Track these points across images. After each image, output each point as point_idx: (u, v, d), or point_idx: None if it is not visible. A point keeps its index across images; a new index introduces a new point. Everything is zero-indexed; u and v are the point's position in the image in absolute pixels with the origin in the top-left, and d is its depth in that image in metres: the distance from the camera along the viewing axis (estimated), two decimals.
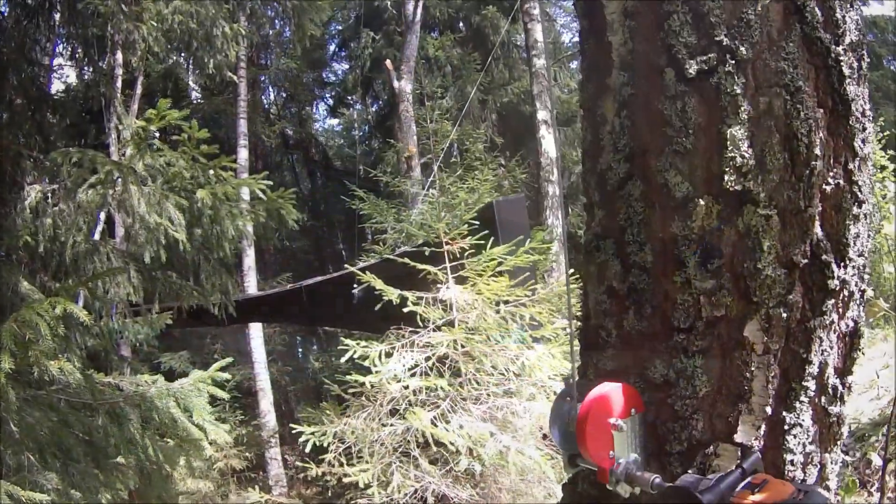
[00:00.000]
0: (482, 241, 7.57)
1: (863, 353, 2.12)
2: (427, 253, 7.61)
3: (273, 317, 12.47)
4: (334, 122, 33.72)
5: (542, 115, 15.17)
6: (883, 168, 10.14)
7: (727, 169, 1.83)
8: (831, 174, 1.91)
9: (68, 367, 4.80)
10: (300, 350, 23.50)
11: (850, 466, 6.97)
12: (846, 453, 5.87)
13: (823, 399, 1.96)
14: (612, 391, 1.73)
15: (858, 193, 1.96)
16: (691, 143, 1.87)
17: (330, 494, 10.85)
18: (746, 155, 1.84)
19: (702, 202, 1.85)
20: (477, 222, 7.66)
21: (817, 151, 1.86)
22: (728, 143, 1.84)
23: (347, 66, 27.29)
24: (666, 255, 1.91)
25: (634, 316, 1.96)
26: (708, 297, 1.86)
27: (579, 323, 2.21)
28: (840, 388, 2.00)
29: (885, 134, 11.99)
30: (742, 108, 1.84)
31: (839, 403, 2.01)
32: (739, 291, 1.85)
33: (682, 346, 1.89)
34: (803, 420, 1.92)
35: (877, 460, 6.66)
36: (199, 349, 17.46)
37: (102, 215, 9.87)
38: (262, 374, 15.34)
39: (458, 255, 7.69)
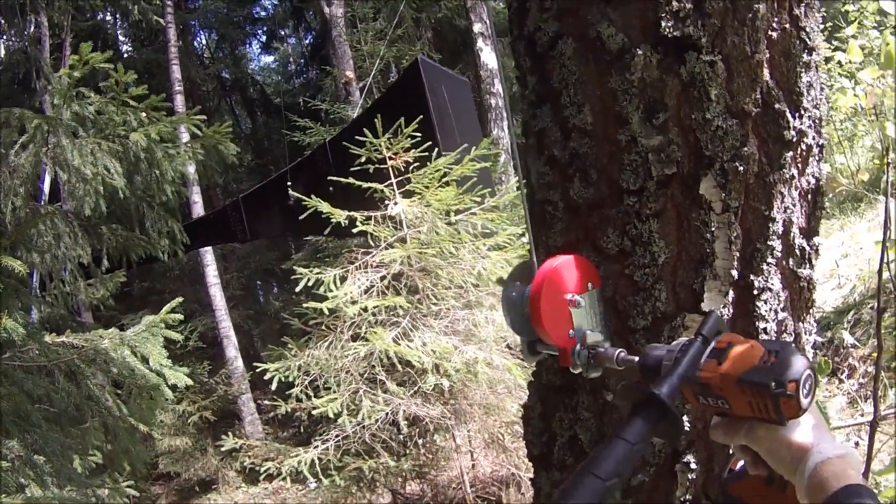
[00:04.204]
0: (426, 154, 7.40)
1: (827, 213, 2.01)
2: (371, 170, 7.41)
3: (215, 238, 12.36)
4: (269, 59, 33.48)
5: (477, 27, 15.00)
6: (828, 59, 10.08)
7: (664, 15, 1.71)
8: (776, 19, 1.81)
9: (10, 323, 4.67)
10: (260, 293, 23.42)
11: (818, 350, 7.02)
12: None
13: (791, 261, 1.88)
14: (563, 263, 1.60)
15: (807, 40, 1.87)
16: None
17: (304, 432, 10.85)
18: None
19: (640, 52, 1.72)
20: (419, 134, 7.46)
21: None
22: None
23: (276, 0, 26.97)
24: (607, 113, 1.79)
25: (580, 183, 1.84)
26: (657, 154, 1.74)
27: None
28: (807, 249, 1.92)
29: (828, 25, 12.03)
30: None
31: (808, 266, 1.93)
32: (690, 146, 1.75)
33: (634, 211, 1.78)
34: (772, 284, 1.84)
35: (848, 338, 6.70)
36: (160, 305, 17.26)
37: (47, 183, 9.67)
38: (225, 321, 15.21)
39: (403, 170, 7.51)
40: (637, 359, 1.45)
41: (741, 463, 1.49)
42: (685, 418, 1.79)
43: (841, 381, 6.76)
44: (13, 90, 17.21)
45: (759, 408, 1.25)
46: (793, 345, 1.33)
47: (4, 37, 16.31)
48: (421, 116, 7.44)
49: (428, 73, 8.30)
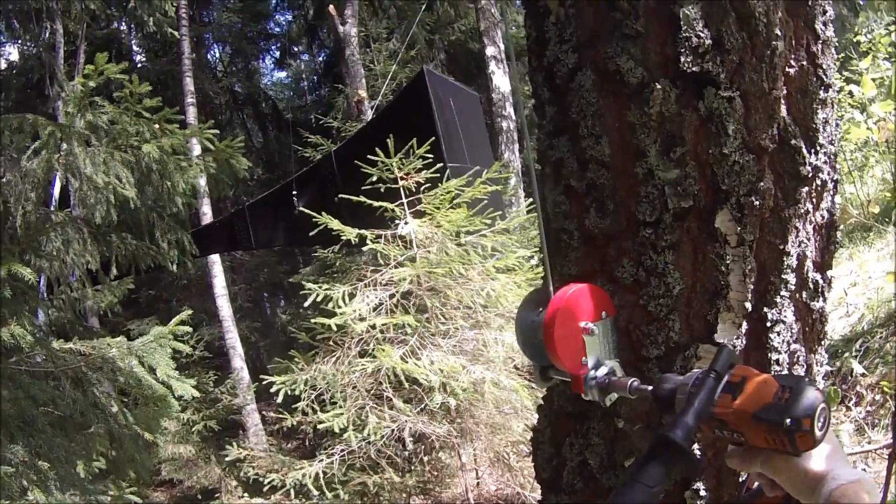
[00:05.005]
0: (437, 175, 7.39)
1: (840, 247, 2.03)
2: (382, 189, 7.38)
3: (221, 245, 12.29)
4: (282, 74, 33.50)
5: (490, 50, 15.03)
6: (839, 90, 10.07)
7: (683, 50, 1.73)
8: (793, 56, 1.83)
9: (19, 331, 4.68)
10: (267, 305, 23.41)
11: (827, 379, 6.99)
12: None
13: (804, 294, 1.90)
14: (578, 291, 1.62)
15: (824, 77, 1.89)
16: (642, 25, 1.77)
17: (308, 445, 10.84)
18: (702, 35, 1.73)
19: (658, 86, 1.74)
20: (431, 156, 7.45)
21: (777, 31, 1.77)
22: (682, 23, 1.73)
23: (291, 17, 26.98)
24: (624, 145, 1.81)
25: (596, 214, 1.86)
26: (673, 188, 1.76)
27: None
28: (821, 282, 1.94)
29: (840, 56, 12.01)
30: None
31: (821, 299, 1.95)
32: (706, 180, 1.76)
33: (650, 242, 1.80)
34: (786, 316, 1.86)
35: (857, 368, 6.70)
36: (166, 313, 17.28)
37: (57, 188, 9.71)
38: (231, 332, 15.21)
39: (414, 190, 7.52)
40: (650, 388, 1.46)
41: (757, 483, 1.51)
42: (695, 446, 1.80)
43: (848, 408, 6.74)
44: (26, 95, 17.31)
45: (774, 442, 1.26)
46: (806, 378, 1.35)
47: (19, 41, 16.42)
48: (428, 131, 7.35)
49: (434, 84, 8.14)
